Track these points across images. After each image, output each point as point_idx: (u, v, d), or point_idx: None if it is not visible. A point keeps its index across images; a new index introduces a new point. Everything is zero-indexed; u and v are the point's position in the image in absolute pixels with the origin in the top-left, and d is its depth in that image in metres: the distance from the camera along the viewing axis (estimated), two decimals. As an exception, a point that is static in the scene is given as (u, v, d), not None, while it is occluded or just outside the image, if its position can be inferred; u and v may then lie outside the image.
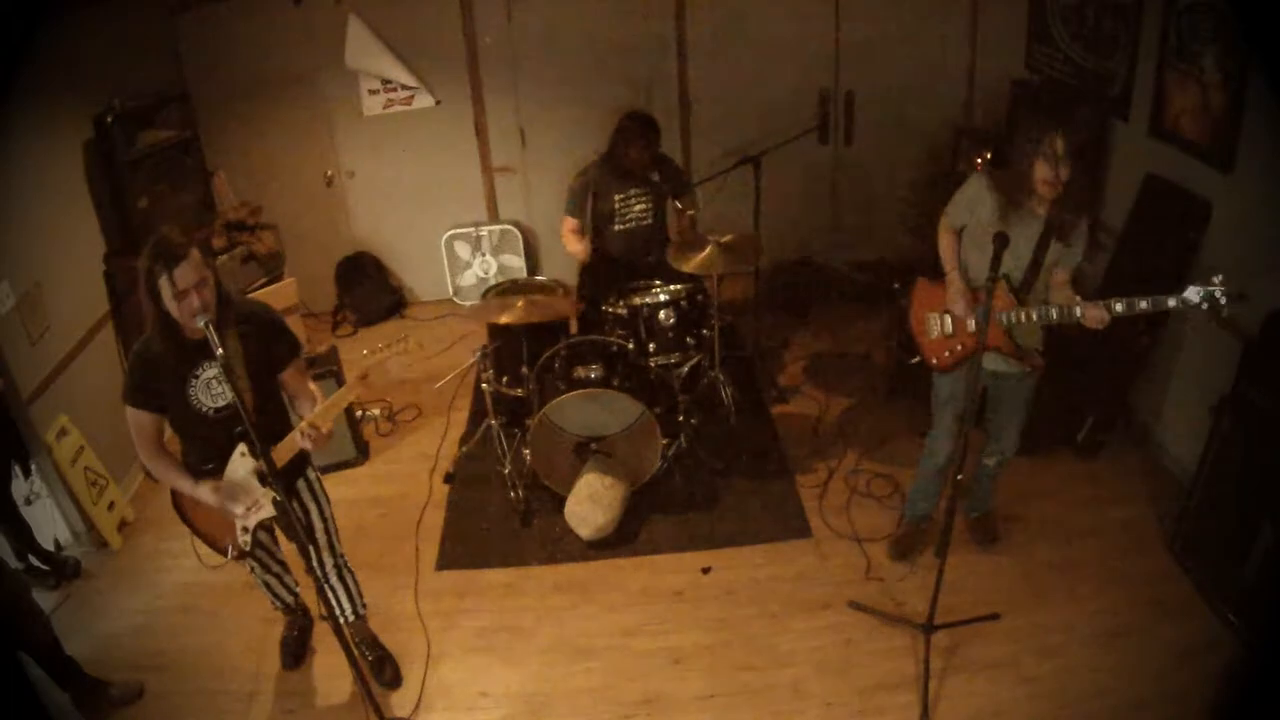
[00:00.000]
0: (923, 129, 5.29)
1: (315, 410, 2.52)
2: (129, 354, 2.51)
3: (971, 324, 2.92)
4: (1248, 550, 2.91)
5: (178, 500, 2.63)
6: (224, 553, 2.64)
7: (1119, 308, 2.61)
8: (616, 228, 4.09)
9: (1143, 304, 2.58)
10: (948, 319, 2.99)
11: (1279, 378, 2.89)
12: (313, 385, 2.69)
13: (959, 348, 2.98)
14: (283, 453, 2.48)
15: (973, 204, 2.90)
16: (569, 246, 4.09)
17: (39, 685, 2.84)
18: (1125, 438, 3.96)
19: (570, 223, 4.07)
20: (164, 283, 2.26)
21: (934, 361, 3.05)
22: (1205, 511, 3.17)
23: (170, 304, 2.29)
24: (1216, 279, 2.48)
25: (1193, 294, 2.49)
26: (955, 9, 5.09)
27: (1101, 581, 3.23)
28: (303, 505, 2.74)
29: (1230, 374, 3.11)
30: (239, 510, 2.55)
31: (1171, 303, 2.53)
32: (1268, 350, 2.97)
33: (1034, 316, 2.78)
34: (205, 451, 2.54)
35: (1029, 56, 4.90)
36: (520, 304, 3.61)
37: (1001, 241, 2.56)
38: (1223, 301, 2.47)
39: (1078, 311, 2.67)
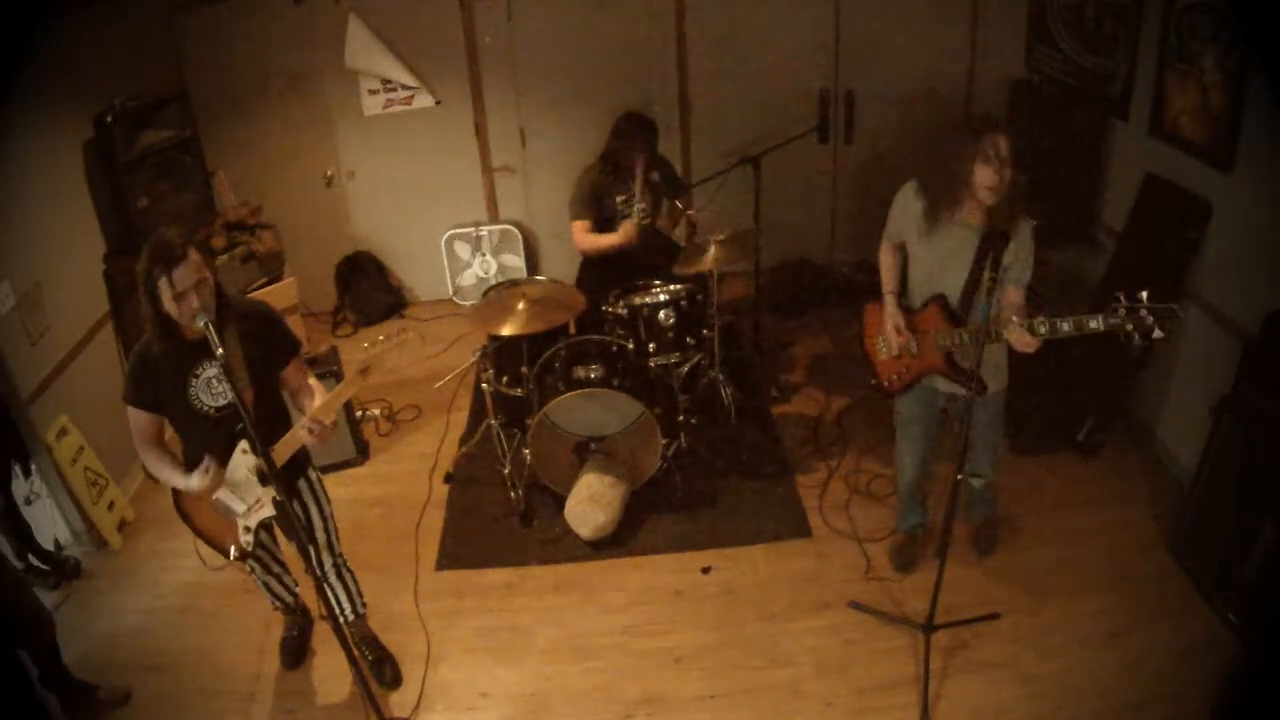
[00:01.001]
0: (922, 129, 5.28)
1: (317, 404, 2.52)
2: (129, 354, 2.51)
3: (913, 346, 2.87)
4: (1248, 550, 2.91)
5: (179, 501, 2.63)
6: (226, 553, 2.64)
7: (1043, 330, 2.46)
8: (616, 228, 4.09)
9: (1065, 325, 2.42)
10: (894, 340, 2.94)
11: (1279, 378, 2.89)
12: (313, 380, 2.69)
13: (905, 370, 2.95)
14: (284, 450, 2.48)
15: (903, 215, 2.81)
16: (594, 244, 4.02)
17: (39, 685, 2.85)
18: (1125, 438, 3.95)
19: (581, 224, 4.04)
20: (163, 284, 2.26)
21: (885, 384, 3.04)
22: (1205, 511, 3.17)
23: (169, 305, 2.30)
24: (1142, 294, 2.30)
25: (1116, 315, 2.32)
26: (955, 9, 5.09)
27: (1101, 581, 3.23)
28: (303, 504, 2.74)
29: (1230, 374, 3.11)
30: (239, 508, 2.55)
31: (1093, 324, 2.37)
32: (1268, 350, 2.97)
33: (965, 338, 2.66)
34: (207, 450, 2.53)
35: (1029, 56, 4.90)
36: (521, 308, 3.58)
37: (1001, 241, 2.53)
38: (1149, 320, 2.28)
39: (1003, 333, 2.53)
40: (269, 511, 2.55)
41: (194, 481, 2.49)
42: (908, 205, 2.80)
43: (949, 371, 2.82)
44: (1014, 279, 2.67)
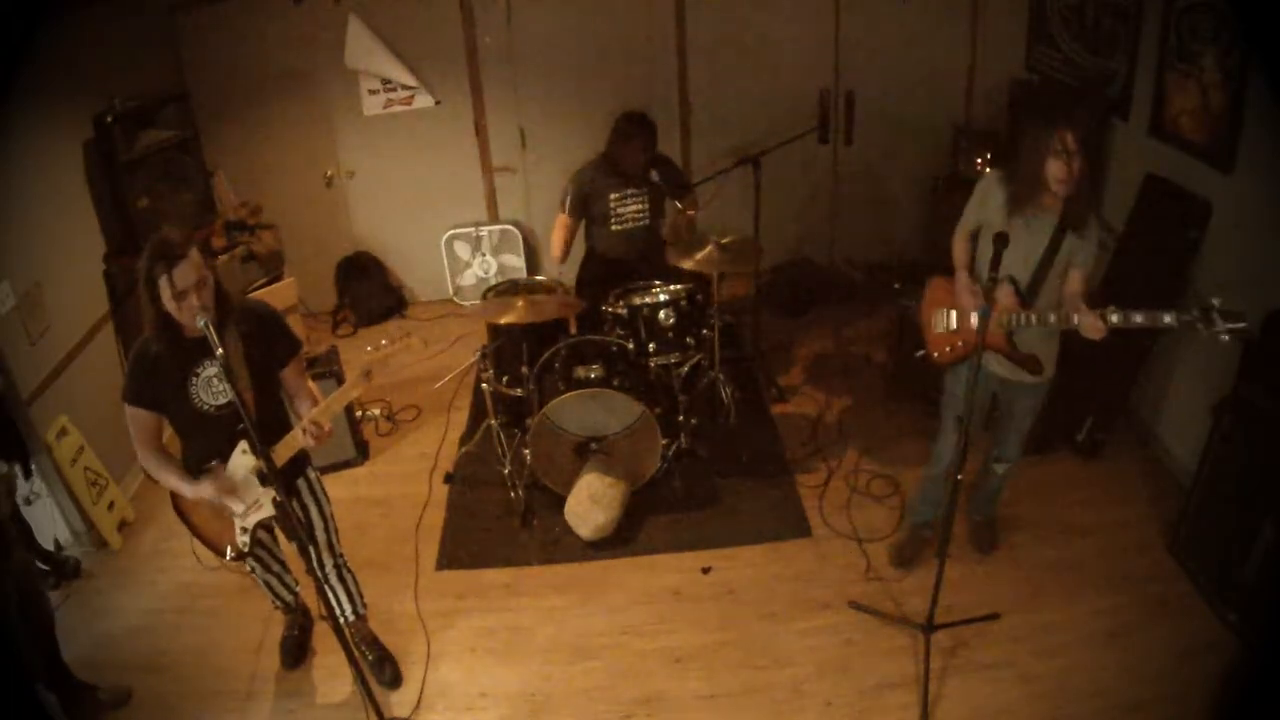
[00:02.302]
0: (923, 129, 5.29)
1: (317, 407, 2.52)
2: (129, 354, 2.51)
3: (975, 320, 2.90)
4: (1248, 550, 2.91)
5: (177, 500, 2.63)
6: (222, 554, 2.64)
7: (1114, 319, 2.55)
8: (612, 228, 4.09)
9: (1138, 317, 2.52)
10: (953, 315, 3.01)
11: (1279, 378, 2.89)
12: (311, 384, 2.69)
13: (959, 344, 2.98)
14: (283, 451, 2.48)
15: (984, 200, 2.89)
16: (552, 239, 4.13)
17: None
18: (1125, 438, 3.96)
19: (561, 218, 4.09)
20: (163, 283, 2.26)
21: (935, 355, 3.07)
22: (1205, 511, 3.17)
23: (169, 304, 2.30)
24: (1215, 301, 2.42)
25: (1189, 313, 2.43)
26: (955, 9, 5.09)
27: (1101, 581, 3.24)
28: (303, 504, 2.74)
29: (1230, 374, 3.11)
30: (239, 508, 2.55)
31: (1167, 319, 2.47)
32: (1268, 350, 2.97)
33: (1033, 320, 2.74)
34: (206, 450, 2.54)
35: (1029, 56, 4.90)
36: (521, 304, 3.59)
37: (1001, 241, 2.55)
38: (1220, 326, 2.40)
39: (1075, 319, 2.64)
40: (267, 512, 2.55)
41: (200, 490, 2.49)
42: (990, 195, 2.87)
43: (1009, 350, 2.88)
44: (1080, 263, 2.77)
